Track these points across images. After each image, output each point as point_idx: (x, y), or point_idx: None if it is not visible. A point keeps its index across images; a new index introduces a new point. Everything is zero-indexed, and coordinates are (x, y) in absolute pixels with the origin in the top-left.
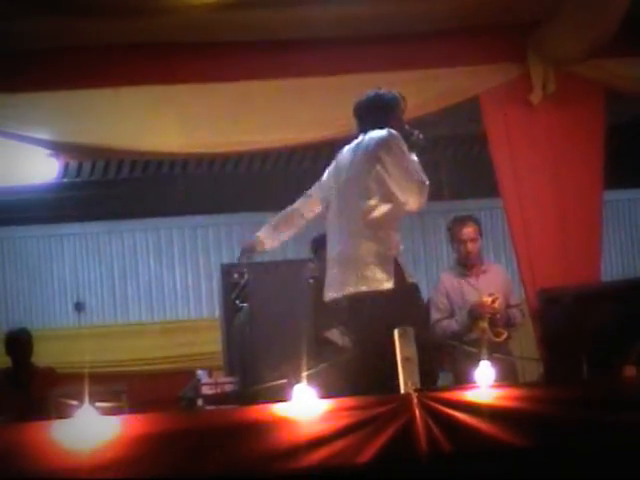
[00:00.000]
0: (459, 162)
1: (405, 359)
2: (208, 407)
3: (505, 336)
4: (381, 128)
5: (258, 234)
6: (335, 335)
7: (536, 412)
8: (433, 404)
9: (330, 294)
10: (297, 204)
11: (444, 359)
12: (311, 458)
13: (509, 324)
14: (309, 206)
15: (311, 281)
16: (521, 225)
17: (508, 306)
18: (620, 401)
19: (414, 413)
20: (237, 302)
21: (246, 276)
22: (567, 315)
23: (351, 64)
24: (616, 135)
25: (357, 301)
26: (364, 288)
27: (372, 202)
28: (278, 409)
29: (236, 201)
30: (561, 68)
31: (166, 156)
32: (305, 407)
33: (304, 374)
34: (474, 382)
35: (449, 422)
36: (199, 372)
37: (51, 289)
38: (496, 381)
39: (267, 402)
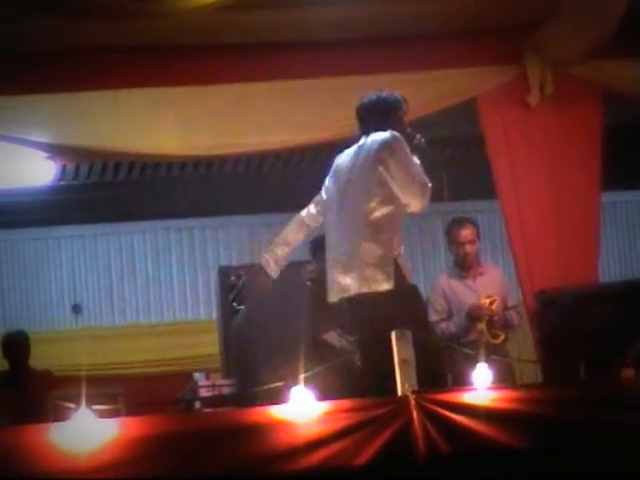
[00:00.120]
0: (456, 164)
1: (402, 361)
2: (206, 409)
3: (502, 338)
4: (383, 130)
5: (268, 270)
6: (333, 337)
7: (534, 413)
8: (430, 406)
9: (331, 295)
10: (298, 220)
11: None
12: (309, 460)
13: (507, 326)
14: (310, 221)
15: (309, 283)
16: (519, 227)
17: (505, 308)
18: (618, 402)
19: (412, 415)
20: (234, 304)
21: (243, 278)
22: (565, 316)
23: (349, 66)
24: (614, 136)
25: (358, 302)
26: (365, 289)
27: (374, 204)
28: (276, 411)
29: (234, 203)
30: (559, 69)
31: (165, 158)
32: (303, 409)
33: (302, 376)
34: (472, 384)
35: (447, 424)
36: (196, 374)
37: (49, 291)
38: (494, 383)
39: (265, 404)
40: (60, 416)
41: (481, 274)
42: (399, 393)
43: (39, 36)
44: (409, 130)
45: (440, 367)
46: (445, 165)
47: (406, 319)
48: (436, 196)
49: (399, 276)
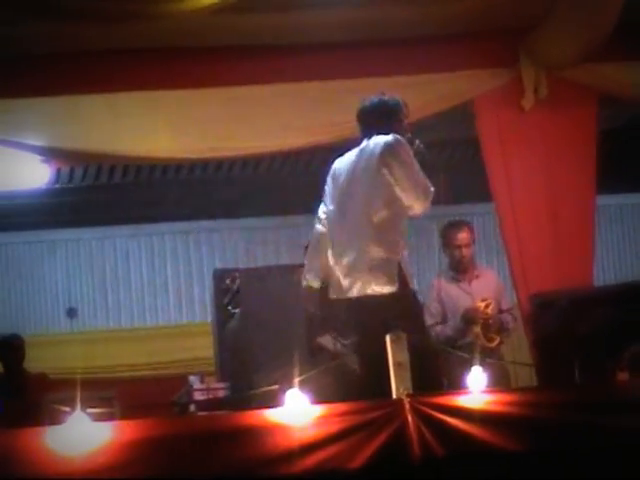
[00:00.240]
0: (451, 166)
1: (397, 364)
2: (200, 412)
3: (498, 341)
4: (385, 133)
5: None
6: (327, 341)
7: (528, 416)
8: (425, 409)
9: (333, 296)
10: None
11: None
12: (304, 463)
13: (502, 329)
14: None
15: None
16: (513, 229)
17: (500, 311)
18: (612, 405)
19: (406, 418)
20: (229, 307)
21: (238, 281)
22: (560, 319)
23: (346, 69)
24: (609, 139)
25: (360, 304)
26: (368, 292)
27: (378, 206)
28: (271, 414)
29: (229, 206)
30: (553, 73)
31: (160, 161)
32: (297, 412)
33: (297, 379)
34: (467, 387)
35: (441, 427)
36: (191, 378)
37: (43, 295)
38: (488, 386)
39: (260, 407)
40: (55, 419)
41: (477, 277)
42: (394, 396)
43: (33, 39)
44: (409, 135)
45: (440, 372)
46: (443, 168)
47: (407, 323)
48: (434, 199)
49: (402, 279)
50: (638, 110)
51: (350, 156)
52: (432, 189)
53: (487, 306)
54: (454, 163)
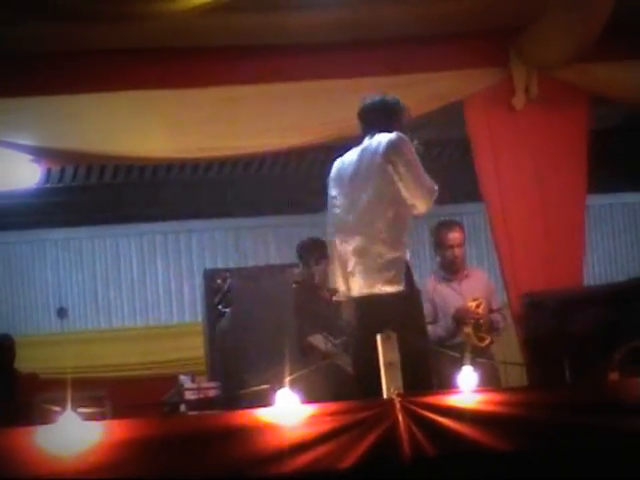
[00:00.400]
0: (442, 166)
1: (388, 364)
2: (191, 412)
3: (488, 341)
4: (388, 132)
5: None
6: (318, 340)
7: (519, 416)
8: (416, 409)
9: (339, 294)
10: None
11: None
12: (295, 463)
13: (492, 328)
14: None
15: (295, 286)
16: (504, 229)
17: (490, 310)
18: (603, 405)
19: (397, 418)
20: (220, 307)
21: (229, 281)
22: (550, 319)
23: (337, 69)
24: (600, 139)
25: (366, 303)
26: (375, 290)
27: (383, 205)
28: (262, 414)
29: (219, 206)
30: (544, 72)
31: (152, 161)
32: (288, 412)
33: (287, 379)
34: (457, 386)
35: (432, 426)
36: (182, 377)
37: (34, 295)
38: (479, 385)
39: (251, 407)
40: (46, 419)
41: (466, 277)
42: (385, 396)
43: (27, 39)
44: (408, 134)
45: (428, 371)
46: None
47: (411, 322)
48: None
49: (409, 279)
50: (633, 110)
51: (352, 156)
52: (436, 188)
53: (478, 306)
54: (443, 162)
